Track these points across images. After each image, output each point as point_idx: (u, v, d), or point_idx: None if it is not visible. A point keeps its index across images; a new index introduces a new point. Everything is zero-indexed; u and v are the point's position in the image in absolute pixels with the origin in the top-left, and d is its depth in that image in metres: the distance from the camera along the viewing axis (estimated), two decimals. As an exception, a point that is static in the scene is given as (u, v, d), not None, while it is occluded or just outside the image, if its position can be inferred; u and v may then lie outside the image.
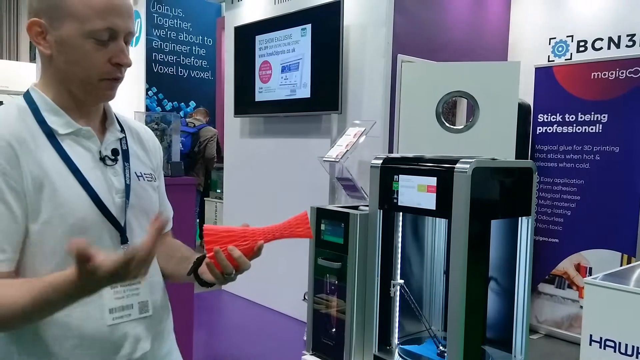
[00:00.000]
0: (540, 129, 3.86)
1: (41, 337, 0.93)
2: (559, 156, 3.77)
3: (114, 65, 0.95)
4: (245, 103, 4.49)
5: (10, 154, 0.88)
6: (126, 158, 1.04)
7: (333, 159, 3.24)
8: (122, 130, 1.08)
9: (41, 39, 0.94)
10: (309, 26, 3.85)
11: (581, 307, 3.52)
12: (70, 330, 0.94)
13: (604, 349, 1.89)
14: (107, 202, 0.97)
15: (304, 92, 3.91)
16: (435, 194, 1.28)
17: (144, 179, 1.07)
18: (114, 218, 0.98)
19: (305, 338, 1.81)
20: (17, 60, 15.71)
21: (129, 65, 0.98)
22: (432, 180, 1.28)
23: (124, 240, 1.00)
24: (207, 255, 0.96)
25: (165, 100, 7.46)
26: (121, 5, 0.94)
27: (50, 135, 0.94)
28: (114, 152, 1.02)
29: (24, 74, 12.76)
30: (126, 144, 1.07)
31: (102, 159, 1.00)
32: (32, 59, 15.32)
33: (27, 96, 0.98)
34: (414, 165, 1.36)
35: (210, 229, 0.96)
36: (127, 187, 1.01)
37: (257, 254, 0.99)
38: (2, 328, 0.91)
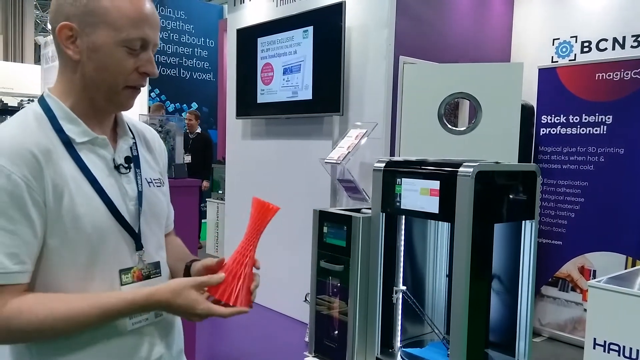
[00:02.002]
0: (543, 131, 3.85)
1: (62, 345, 0.94)
2: (562, 158, 3.76)
3: (140, 74, 0.98)
4: (247, 105, 4.49)
5: (35, 166, 0.89)
6: (137, 165, 1.06)
7: (334, 161, 3.23)
8: (133, 136, 1.08)
9: (70, 43, 0.94)
10: (310, 28, 3.85)
11: (585, 310, 3.50)
12: (93, 338, 0.95)
13: (608, 352, 1.88)
14: (122, 210, 0.98)
15: (306, 94, 3.91)
16: (438, 197, 1.27)
17: (154, 185, 1.09)
18: (129, 226, 0.99)
19: (307, 339, 1.80)
20: (22, 62, 15.74)
21: (156, 75, 1.00)
22: (435, 184, 1.27)
23: (138, 247, 1.02)
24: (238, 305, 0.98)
25: (168, 101, 7.48)
26: (153, 17, 0.97)
27: (68, 143, 0.95)
28: (127, 159, 1.03)
29: (28, 76, 12.82)
30: (136, 149, 1.08)
31: (117, 168, 1.00)
32: (37, 60, 15.37)
33: (43, 103, 0.98)
34: (417, 169, 1.35)
35: (214, 290, 0.97)
36: (140, 194, 1.03)
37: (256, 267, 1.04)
38: (53, 336, 0.92)
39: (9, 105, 7.86)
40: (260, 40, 4.29)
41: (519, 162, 3.31)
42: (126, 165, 1.02)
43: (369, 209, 1.49)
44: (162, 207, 1.11)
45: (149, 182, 1.07)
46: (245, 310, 0.98)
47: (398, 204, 1.36)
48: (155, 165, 1.13)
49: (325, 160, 3.31)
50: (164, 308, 0.95)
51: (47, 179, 0.89)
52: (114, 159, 1.01)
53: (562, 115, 3.76)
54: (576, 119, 3.69)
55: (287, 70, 4.06)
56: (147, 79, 1.01)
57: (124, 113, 1.11)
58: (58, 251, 0.92)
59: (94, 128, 0.99)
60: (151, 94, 7.27)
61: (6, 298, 0.86)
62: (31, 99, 8.68)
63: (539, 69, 3.86)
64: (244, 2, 4.78)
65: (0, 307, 0.86)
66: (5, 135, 0.90)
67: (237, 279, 0.97)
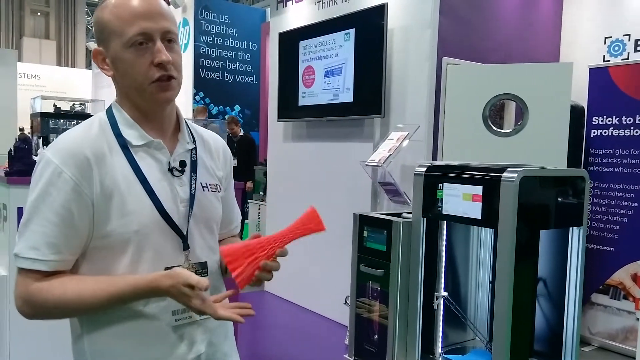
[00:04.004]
0: (594, 132, 3.70)
1: (110, 335, 1.02)
2: (614, 160, 3.60)
3: (157, 67, 1.00)
4: (289, 107, 4.54)
5: (85, 166, 0.97)
6: (194, 169, 1.10)
7: (375, 164, 3.22)
8: (194, 141, 1.13)
9: (104, 64, 1.05)
10: (352, 30, 3.85)
11: (637, 319, 3.34)
12: (137, 329, 1.02)
13: (663, 366, 1.79)
14: (170, 211, 1.03)
15: (347, 97, 3.91)
16: (481, 203, 1.25)
17: (208, 190, 1.12)
18: (176, 226, 1.04)
19: (346, 342, 1.81)
20: (74, 67, 16.47)
21: (168, 61, 1.00)
22: (478, 189, 1.25)
23: (185, 246, 1.06)
24: (234, 277, 0.99)
25: (212, 104, 7.65)
26: (149, 8, 1.01)
27: (125, 146, 1.03)
28: (182, 163, 1.08)
29: (80, 80, 13.41)
30: (195, 154, 1.12)
31: (170, 170, 1.06)
32: (88, 65, 16.08)
33: (109, 111, 1.08)
34: (459, 174, 1.33)
35: (227, 250, 1.00)
36: (192, 197, 1.07)
37: (283, 254, 1.02)
38: (71, 313, 1.01)
39: (61, 109, 8.22)
40: (302, 43, 4.33)
41: (568, 165, 3.20)
42: (180, 169, 1.07)
43: (410, 213, 1.49)
44: (214, 211, 1.14)
45: (203, 187, 1.11)
46: (237, 319, 0.98)
47: (439, 209, 1.35)
48: (215, 172, 1.17)
49: (366, 163, 3.30)
50: (164, 294, 0.97)
51: (95, 180, 0.97)
52: (169, 162, 1.06)
53: (614, 116, 3.60)
54: (629, 120, 3.53)
55: (329, 73, 4.08)
56: (171, 68, 1.01)
57: (192, 123, 1.17)
58: (109, 245, 0.99)
59: (151, 132, 1.05)
60: (195, 97, 7.46)
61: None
62: (82, 103, 9.06)
63: (590, 69, 3.71)
64: (286, 6, 4.84)
65: (29, 285, 0.96)
66: (67, 138, 1.01)
67: (250, 257, 0.99)
